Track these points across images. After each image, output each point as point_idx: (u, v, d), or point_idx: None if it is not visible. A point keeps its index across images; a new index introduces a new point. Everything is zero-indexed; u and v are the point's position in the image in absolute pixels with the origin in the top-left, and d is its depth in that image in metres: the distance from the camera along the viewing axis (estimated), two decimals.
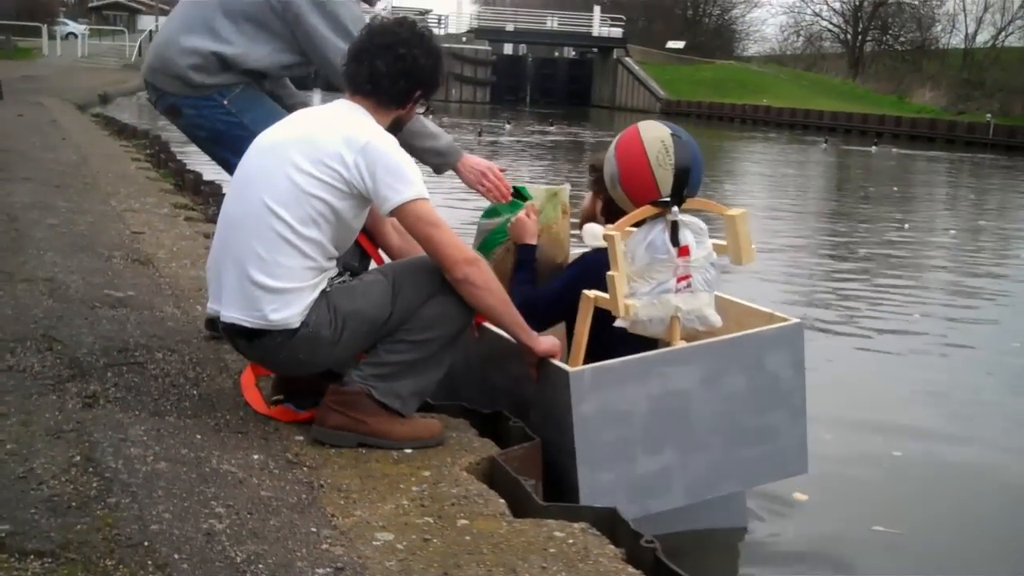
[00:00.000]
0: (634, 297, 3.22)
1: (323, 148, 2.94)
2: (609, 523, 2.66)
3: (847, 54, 65.96)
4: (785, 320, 3.49)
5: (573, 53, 67.05)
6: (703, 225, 3.31)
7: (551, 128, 34.02)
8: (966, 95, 48.94)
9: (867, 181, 22.86)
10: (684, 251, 3.23)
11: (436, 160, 3.76)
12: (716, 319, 3.32)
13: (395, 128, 3.19)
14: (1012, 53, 55.25)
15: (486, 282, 3.00)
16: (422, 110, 3.35)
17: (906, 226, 14.28)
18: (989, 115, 39.54)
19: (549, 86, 62.57)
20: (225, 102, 3.77)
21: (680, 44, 62.00)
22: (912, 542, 3.94)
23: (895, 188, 21.24)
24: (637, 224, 3.27)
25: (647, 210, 3.26)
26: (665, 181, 3.24)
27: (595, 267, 3.45)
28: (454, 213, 11.85)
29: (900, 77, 56.42)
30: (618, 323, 3.25)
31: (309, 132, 3.00)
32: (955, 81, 52.02)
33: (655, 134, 3.30)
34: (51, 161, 10.02)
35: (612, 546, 2.51)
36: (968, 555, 3.88)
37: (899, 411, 5.66)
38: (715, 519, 3.66)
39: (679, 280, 3.23)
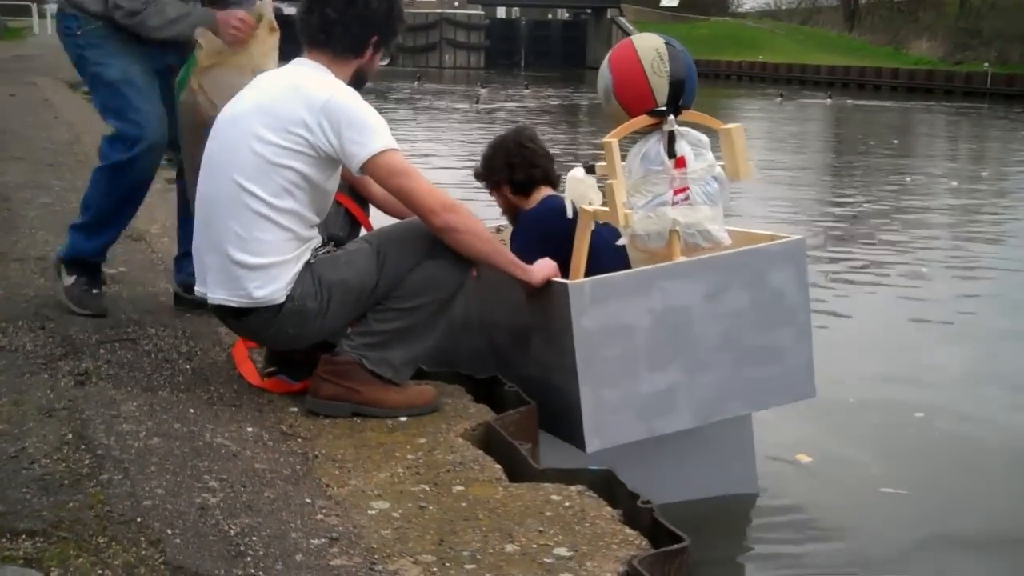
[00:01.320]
0: (631, 211, 3.18)
1: (284, 115, 2.87)
2: (606, 485, 2.64)
3: (842, 7, 65.35)
4: (787, 237, 3.43)
5: (567, 15, 66.68)
6: (703, 137, 3.25)
7: (526, 91, 33.74)
8: (963, 44, 48.55)
9: (867, 135, 22.74)
10: (680, 162, 3.17)
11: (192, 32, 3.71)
12: (722, 235, 3.25)
13: (358, 82, 3.11)
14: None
15: (468, 226, 2.93)
16: (385, 61, 3.26)
17: (908, 179, 14.22)
18: (987, 64, 39.29)
19: (543, 48, 62.27)
20: (78, 32, 3.80)
21: (675, 2, 61.62)
22: (921, 504, 3.84)
23: (895, 141, 21.15)
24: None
25: (643, 119, 3.21)
26: (661, 89, 3.18)
27: (541, 221, 3.44)
28: (456, 174, 11.82)
29: (896, 28, 55.96)
30: (620, 242, 3.22)
31: (268, 100, 2.93)
32: (952, 31, 51.59)
33: (649, 43, 3.24)
34: (44, 140, 9.97)
35: (609, 508, 2.49)
36: (977, 515, 3.78)
37: (913, 364, 5.58)
38: (728, 485, 3.61)
39: (676, 192, 3.18)
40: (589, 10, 61.69)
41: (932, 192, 13.16)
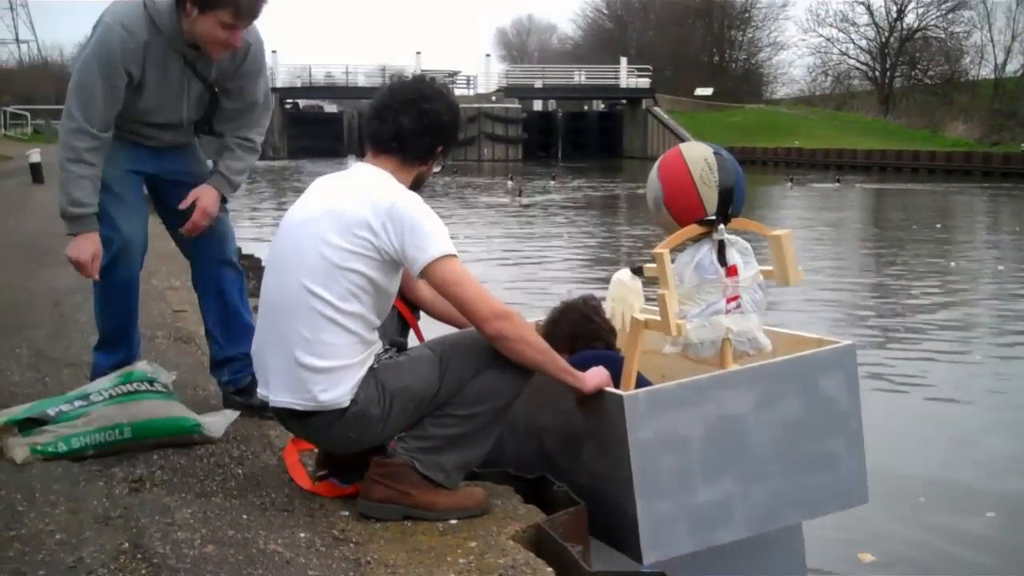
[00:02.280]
0: (684, 320, 3.19)
1: (350, 218, 2.94)
2: None
3: (877, 91, 65.89)
4: (836, 343, 3.42)
5: (602, 106, 67.49)
6: (748, 245, 3.26)
7: (552, 183, 33.97)
8: (999, 126, 48.66)
9: (908, 219, 22.67)
10: (732, 271, 3.18)
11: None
12: (766, 342, 3.26)
13: (416, 185, 3.20)
14: None
15: (520, 334, 2.96)
16: (439, 168, 3.33)
17: (952, 264, 14.13)
18: (1023, 145, 39.21)
19: (580, 139, 62.95)
20: None
21: (708, 91, 62.28)
22: None
23: (938, 225, 21.06)
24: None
25: (694, 229, 3.22)
26: (710, 199, 3.20)
27: (586, 362, 3.47)
28: (503, 269, 11.89)
29: (931, 111, 56.23)
30: (667, 349, 3.20)
31: (334, 203, 3.00)
32: (987, 112, 51.74)
33: (698, 152, 3.26)
34: None
35: None
36: None
37: (976, 461, 5.46)
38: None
39: (729, 301, 3.18)
40: (624, 101, 62.45)
41: (978, 277, 13.07)
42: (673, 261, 3.21)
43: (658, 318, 3.18)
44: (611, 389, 3.10)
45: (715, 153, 3.25)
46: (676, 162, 3.27)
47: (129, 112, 3.72)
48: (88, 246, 3.71)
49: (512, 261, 14.43)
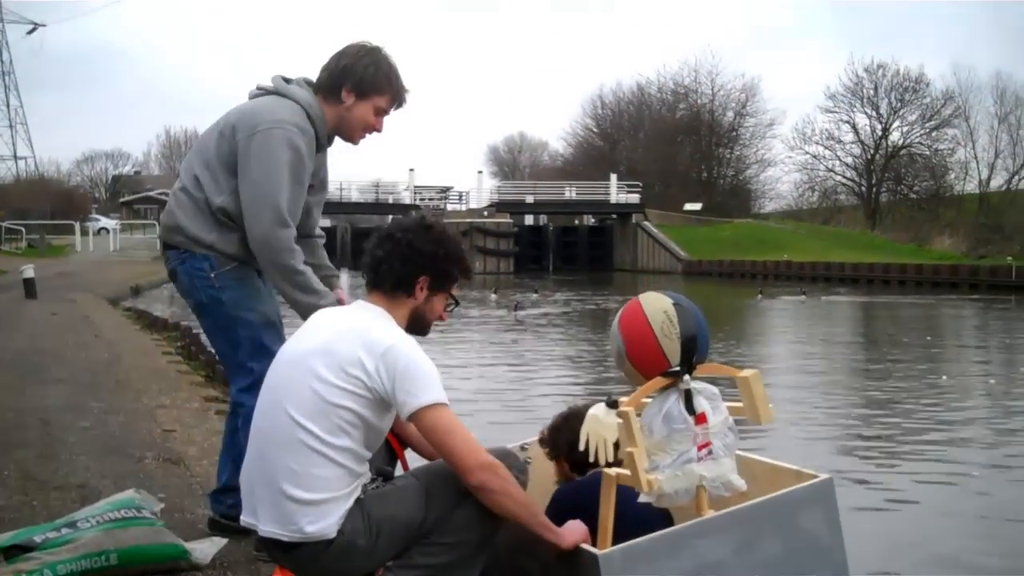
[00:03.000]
0: (656, 471, 3.18)
1: (344, 356, 2.96)
2: None
3: (863, 206, 66.88)
4: (814, 476, 3.40)
5: (593, 220, 68.20)
6: (715, 390, 3.27)
7: (535, 295, 34.07)
8: (985, 239, 49.30)
9: (896, 331, 22.79)
10: (701, 418, 3.18)
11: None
12: (741, 483, 3.24)
13: (418, 325, 3.21)
14: None
15: (503, 487, 2.97)
16: (450, 307, 3.31)
17: (943, 377, 14.17)
18: (1010, 258, 39.71)
19: (571, 253, 63.44)
20: (212, 274, 3.80)
21: (697, 206, 63.14)
22: None
23: (928, 337, 21.17)
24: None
25: (658, 382, 3.24)
26: (673, 351, 3.22)
27: (572, 495, 3.47)
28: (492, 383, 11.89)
29: (917, 225, 57.01)
30: (642, 498, 3.19)
31: (329, 340, 3.03)
32: (973, 226, 52.49)
33: (657, 306, 3.28)
34: (83, 360, 10.20)
35: None
36: None
37: None
38: None
39: (700, 448, 3.18)
40: (614, 216, 63.17)
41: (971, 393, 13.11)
42: (639, 414, 3.23)
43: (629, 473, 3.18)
44: (587, 547, 3.08)
45: (675, 304, 3.27)
46: (636, 316, 3.29)
47: None
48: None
49: (503, 377, 14.44)
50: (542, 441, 3.84)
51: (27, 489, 4.77)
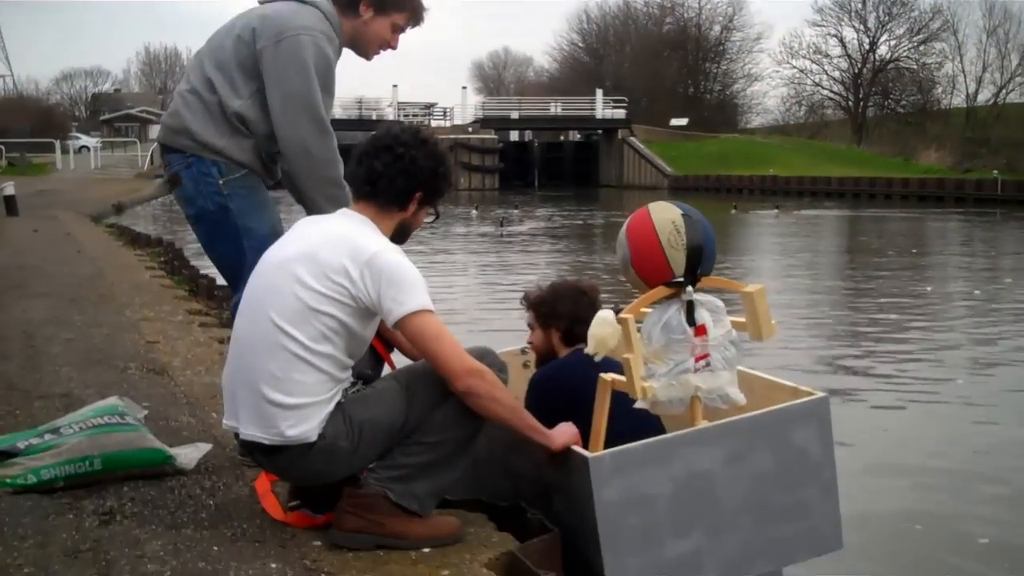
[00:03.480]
0: (652, 379, 3.19)
1: (328, 263, 2.94)
2: None
3: (850, 121, 66.60)
4: (810, 394, 3.42)
5: (578, 136, 67.83)
6: (720, 303, 3.28)
7: (515, 211, 33.95)
8: (972, 153, 49.22)
9: (885, 244, 22.85)
10: (701, 330, 3.20)
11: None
12: (739, 397, 3.27)
13: (401, 235, 3.20)
14: (1014, 109, 55.75)
15: (490, 391, 2.96)
16: (431, 218, 3.33)
17: (928, 288, 14.23)
18: (996, 172, 39.71)
19: (556, 169, 63.11)
20: (220, 180, 3.67)
21: (684, 121, 62.72)
22: None
23: (913, 250, 21.23)
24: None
25: (661, 291, 3.24)
26: (678, 262, 3.22)
27: (549, 382, 3.46)
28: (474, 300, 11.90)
29: (904, 140, 56.86)
30: (638, 405, 3.21)
31: (314, 247, 2.99)
32: (960, 140, 52.38)
33: (666, 215, 3.27)
34: (66, 275, 10.13)
35: None
36: None
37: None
38: None
39: (697, 359, 3.20)
40: (600, 131, 62.77)
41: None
42: (640, 323, 3.22)
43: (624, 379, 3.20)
44: (578, 448, 3.11)
45: (683, 215, 3.25)
46: (644, 224, 3.28)
47: None
48: None
49: (490, 291, 14.44)
50: (531, 304, 3.81)
51: (10, 399, 4.74)
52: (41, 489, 3.36)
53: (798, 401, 3.38)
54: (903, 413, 7.50)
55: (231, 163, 3.67)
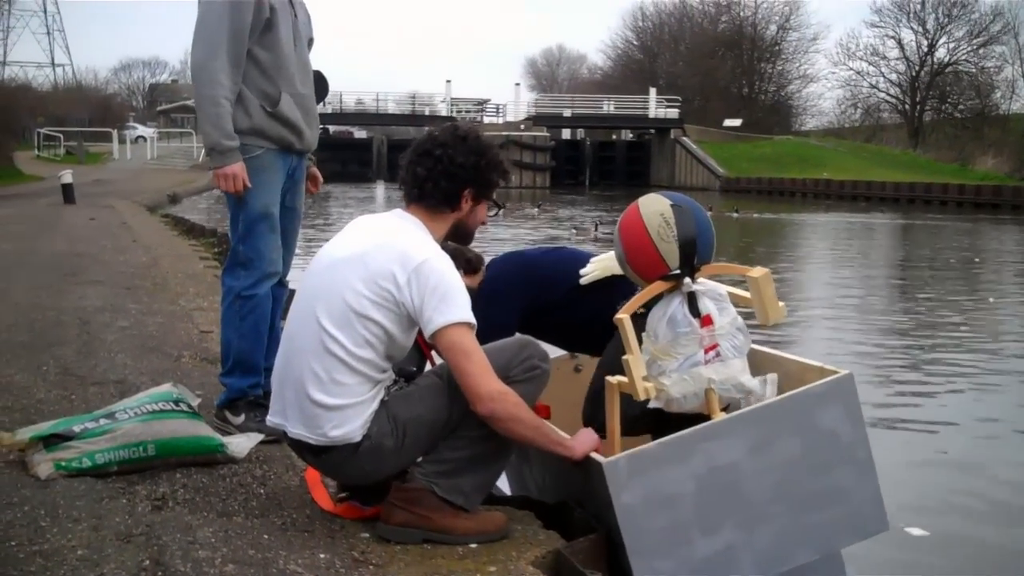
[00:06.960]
0: (664, 375, 3.16)
1: (377, 268, 2.97)
2: None
3: (906, 124, 65.61)
4: (835, 372, 3.33)
5: (631, 135, 67.50)
6: (722, 291, 3.23)
7: (535, 211, 33.75)
8: None
9: (943, 251, 22.52)
10: (707, 320, 3.16)
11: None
12: (754, 384, 3.20)
13: (463, 235, 3.24)
14: None
15: (512, 414, 2.95)
16: (493, 212, 3.34)
17: (991, 299, 13.98)
18: None
19: (608, 168, 62.83)
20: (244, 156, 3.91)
21: (737, 122, 62.19)
22: None
23: (976, 259, 20.87)
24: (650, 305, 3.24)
25: (658, 286, 3.22)
26: (671, 254, 3.19)
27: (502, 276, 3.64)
28: None
29: (961, 145, 55.92)
30: (652, 404, 3.17)
31: (365, 250, 3.02)
32: (1018, 146, 51.40)
33: (654, 208, 3.25)
34: (122, 263, 10.27)
35: None
36: None
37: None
38: None
39: (707, 351, 3.16)
40: (653, 131, 62.44)
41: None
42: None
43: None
44: (595, 455, 3.08)
45: (673, 206, 3.22)
46: (633, 220, 3.27)
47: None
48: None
49: None
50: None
51: (66, 384, 4.83)
52: (95, 473, 3.42)
53: (820, 382, 3.27)
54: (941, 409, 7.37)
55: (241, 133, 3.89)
